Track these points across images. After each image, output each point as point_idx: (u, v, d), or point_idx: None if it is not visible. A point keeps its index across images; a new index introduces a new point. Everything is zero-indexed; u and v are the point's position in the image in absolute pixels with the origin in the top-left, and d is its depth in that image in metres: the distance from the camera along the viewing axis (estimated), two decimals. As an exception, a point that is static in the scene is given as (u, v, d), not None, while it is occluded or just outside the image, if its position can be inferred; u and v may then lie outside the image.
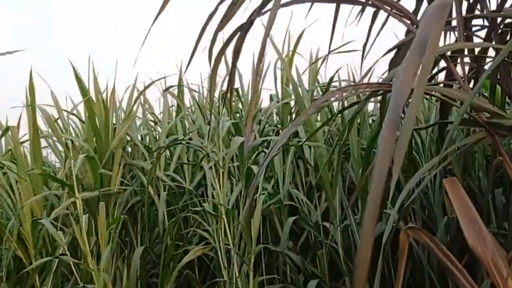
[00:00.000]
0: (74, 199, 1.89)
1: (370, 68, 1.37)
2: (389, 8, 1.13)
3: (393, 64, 1.35)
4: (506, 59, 1.31)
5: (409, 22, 1.10)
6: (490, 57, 1.37)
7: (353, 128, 2.11)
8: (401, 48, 1.50)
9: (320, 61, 3.03)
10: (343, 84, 2.99)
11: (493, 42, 1.31)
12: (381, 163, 0.48)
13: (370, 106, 3.07)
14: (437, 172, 2.25)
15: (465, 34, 1.07)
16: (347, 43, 2.71)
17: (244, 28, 1.45)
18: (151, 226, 2.79)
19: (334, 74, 2.69)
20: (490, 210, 2.16)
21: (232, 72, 1.55)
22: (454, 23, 1.48)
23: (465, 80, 1.03)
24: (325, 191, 2.22)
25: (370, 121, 2.91)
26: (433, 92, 0.98)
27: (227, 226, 1.89)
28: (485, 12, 1.32)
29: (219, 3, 1.35)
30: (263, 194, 2.02)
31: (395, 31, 2.31)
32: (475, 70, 1.31)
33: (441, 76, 1.79)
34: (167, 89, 2.60)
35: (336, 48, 2.75)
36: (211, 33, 1.48)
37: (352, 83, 2.74)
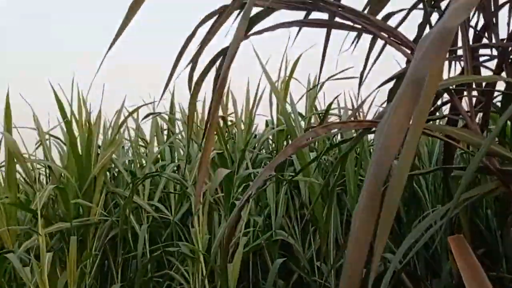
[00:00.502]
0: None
1: (364, 100, 1.23)
2: (387, 36, 0.99)
3: (392, 95, 1.20)
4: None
5: (408, 51, 0.96)
6: (499, 91, 1.22)
7: (350, 160, 1.95)
8: (400, 78, 1.36)
9: (317, 88, 2.90)
10: (342, 112, 2.85)
11: (504, 74, 1.16)
12: (355, 248, 0.33)
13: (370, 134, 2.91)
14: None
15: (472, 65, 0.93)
16: (345, 69, 2.58)
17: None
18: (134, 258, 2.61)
19: (333, 101, 2.55)
20: (500, 252, 1.98)
21: (214, 99, 1.41)
22: (459, 52, 1.34)
23: (472, 116, 0.88)
24: (319, 229, 2.05)
25: (371, 150, 2.75)
26: (435, 133, 0.83)
27: (204, 270, 1.72)
28: (494, 41, 1.17)
29: (197, 27, 1.22)
30: (245, 236, 1.84)
31: (397, 57, 2.18)
32: (483, 104, 1.16)
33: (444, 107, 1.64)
34: (146, 116, 2.45)
35: (334, 75, 2.62)
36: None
37: (350, 110, 2.59)
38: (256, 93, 2.78)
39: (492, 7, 1.10)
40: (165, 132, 3.19)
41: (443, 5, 1.42)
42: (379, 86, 1.16)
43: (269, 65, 2.55)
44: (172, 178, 2.06)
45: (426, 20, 1.45)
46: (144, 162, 2.75)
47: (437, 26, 0.41)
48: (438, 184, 2.37)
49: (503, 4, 1.11)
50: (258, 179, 0.83)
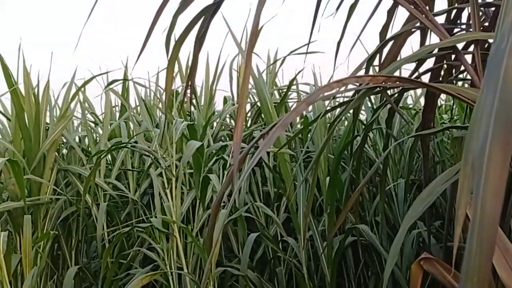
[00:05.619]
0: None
1: (360, 67, 1.17)
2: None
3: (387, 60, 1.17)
4: None
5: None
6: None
7: (321, 133, 1.93)
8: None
9: (278, 63, 2.85)
10: (302, 87, 2.84)
11: None
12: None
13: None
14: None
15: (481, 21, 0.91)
16: (306, 44, 2.54)
17: (210, 11, 1.22)
18: (87, 239, 2.46)
19: (295, 76, 2.52)
20: None
21: (193, 64, 1.31)
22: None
23: (480, 75, 0.87)
24: (288, 200, 2.02)
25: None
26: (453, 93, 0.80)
27: (180, 245, 1.63)
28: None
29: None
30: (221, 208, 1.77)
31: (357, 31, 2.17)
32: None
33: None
34: (110, 83, 2.29)
35: (298, 48, 2.59)
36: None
37: (313, 86, 2.58)
38: (217, 67, 2.69)
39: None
40: (117, 108, 3.01)
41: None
42: (378, 48, 1.12)
43: (228, 38, 2.45)
44: (141, 150, 1.93)
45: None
46: (97, 138, 2.58)
47: None
48: (398, 159, 2.43)
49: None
50: (268, 140, 0.77)
